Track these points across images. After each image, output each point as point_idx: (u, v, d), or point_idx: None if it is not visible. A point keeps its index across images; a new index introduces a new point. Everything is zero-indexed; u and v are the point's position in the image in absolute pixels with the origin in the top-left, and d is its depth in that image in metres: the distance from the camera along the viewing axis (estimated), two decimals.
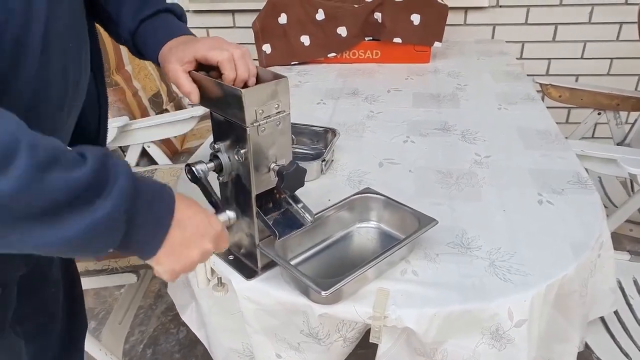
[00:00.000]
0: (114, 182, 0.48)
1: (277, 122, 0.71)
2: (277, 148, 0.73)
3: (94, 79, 0.82)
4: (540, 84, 1.79)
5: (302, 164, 1.03)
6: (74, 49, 0.65)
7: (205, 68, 0.73)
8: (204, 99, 0.73)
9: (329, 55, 1.80)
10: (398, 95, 1.52)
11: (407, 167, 1.10)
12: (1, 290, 0.70)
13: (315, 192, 1.01)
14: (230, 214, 0.77)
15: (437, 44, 1.74)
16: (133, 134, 1.61)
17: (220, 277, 0.83)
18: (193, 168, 0.73)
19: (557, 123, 1.29)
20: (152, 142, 1.65)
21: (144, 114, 1.76)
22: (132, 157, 1.66)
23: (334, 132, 1.16)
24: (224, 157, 0.75)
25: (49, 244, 0.46)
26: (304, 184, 0.73)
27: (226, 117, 0.71)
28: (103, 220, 0.47)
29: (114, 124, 1.56)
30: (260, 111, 0.68)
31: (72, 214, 0.46)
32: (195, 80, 0.72)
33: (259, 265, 0.80)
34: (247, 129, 0.68)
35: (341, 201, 0.88)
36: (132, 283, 1.25)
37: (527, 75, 1.68)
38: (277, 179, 0.73)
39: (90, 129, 0.84)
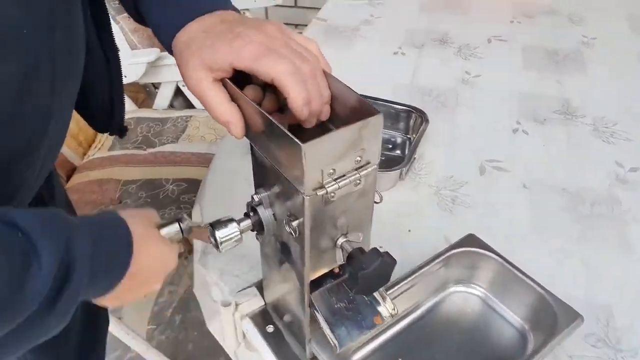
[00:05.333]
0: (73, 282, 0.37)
1: (357, 182, 0.42)
2: (352, 215, 0.45)
3: (99, 43, 0.56)
4: None
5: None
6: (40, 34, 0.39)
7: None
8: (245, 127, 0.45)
9: None
10: (502, 48, 1.15)
11: (520, 178, 0.80)
12: None
13: (388, 213, 0.73)
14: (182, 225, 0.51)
15: None
16: (166, 70, 1.33)
17: None
18: (216, 233, 0.47)
19: None
20: None
21: None
22: (164, 97, 1.40)
23: (421, 115, 0.85)
24: (265, 215, 0.48)
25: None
26: (389, 279, 0.46)
27: (276, 166, 0.43)
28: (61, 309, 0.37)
29: (142, 57, 1.28)
30: (331, 171, 0.40)
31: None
32: (231, 96, 0.44)
33: (307, 355, 0.56)
34: (305, 198, 0.40)
35: (433, 259, 0.60)
36: None
37: None
38: (344, 258, 0.46)
39: (103, 102, 0.61)
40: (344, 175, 0.41)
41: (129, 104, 1.40)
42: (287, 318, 0.59)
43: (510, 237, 0.70)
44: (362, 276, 0.42)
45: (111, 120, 0.61)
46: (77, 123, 1.30)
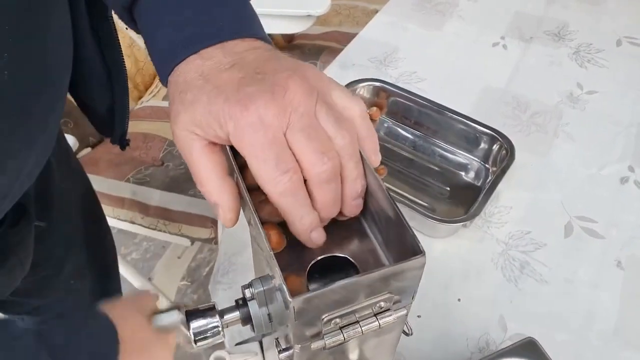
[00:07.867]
0: None
1: (374, 328, 0.30)
2: (366, 352, 0.33)
3: (98, 47, 0.46)
4: None
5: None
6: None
7: None
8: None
9: None
10: (634, 55, 0.92)
11: (615, 251, 0.63)
12: None
13: (439, 270, 0.60)
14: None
15: None
16: None
17: None
18: (191, 325, 0.36)
19: None
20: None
21: None
22: None
23: (507, 147, 0.68)
24: (258, 314, 0.37)
25: None
26: None
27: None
28: None
29: None
30: (335, 321, 0.28)
31: None
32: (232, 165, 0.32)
33: None
34: (295, 346, 0.29)
35: None
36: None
37: None
38: None
39: (102, 113, 0.51)
40: (356, 322, 0.29)
41: None
42: None
43: (585, 337, 0.55)
44: None
45: (112, 131, 0.51)
46: (135, 63, 1.23)
